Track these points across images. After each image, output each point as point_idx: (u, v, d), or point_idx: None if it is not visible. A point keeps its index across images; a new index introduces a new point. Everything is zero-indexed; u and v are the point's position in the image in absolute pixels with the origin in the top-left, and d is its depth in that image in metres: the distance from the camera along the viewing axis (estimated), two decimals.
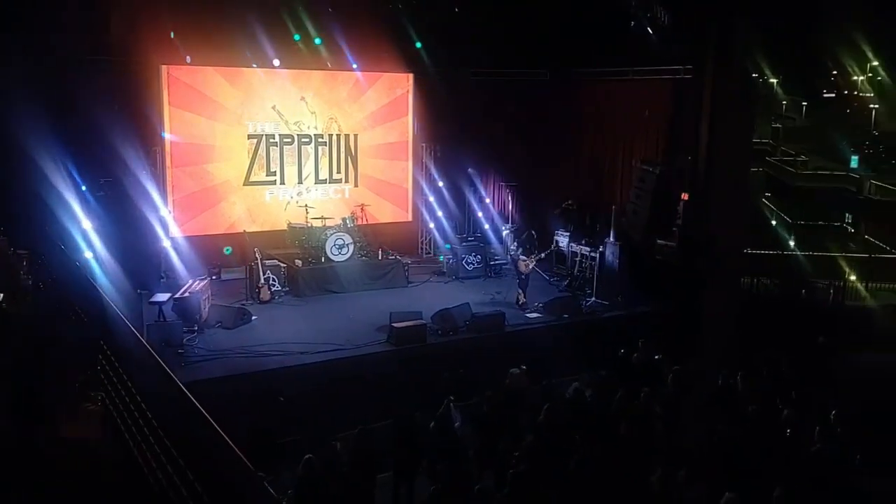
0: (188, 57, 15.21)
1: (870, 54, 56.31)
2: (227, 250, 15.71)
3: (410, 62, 17.20)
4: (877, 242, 26.48)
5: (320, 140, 16.99)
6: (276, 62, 16.02)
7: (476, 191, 17.95)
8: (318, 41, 15.99)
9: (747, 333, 13.60)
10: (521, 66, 18.10)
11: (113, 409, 9.61)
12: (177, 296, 12.76)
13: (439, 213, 17.78)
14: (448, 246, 16.87)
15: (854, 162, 44.44)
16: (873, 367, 13.18)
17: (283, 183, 16.71)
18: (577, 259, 15.99)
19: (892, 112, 60.80)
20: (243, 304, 13.82)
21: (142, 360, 7.91)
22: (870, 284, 18.15)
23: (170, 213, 15.43)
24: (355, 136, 17.33)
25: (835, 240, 24.88)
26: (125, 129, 14.31)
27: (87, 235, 13.06)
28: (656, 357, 11.74)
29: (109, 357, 9.96)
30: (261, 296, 14.22)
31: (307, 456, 7.60)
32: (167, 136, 15.38)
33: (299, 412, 10.16)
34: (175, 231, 15.55)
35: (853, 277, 18.41)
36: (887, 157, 50.45)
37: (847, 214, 30.44)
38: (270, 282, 14.46)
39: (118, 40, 14.31)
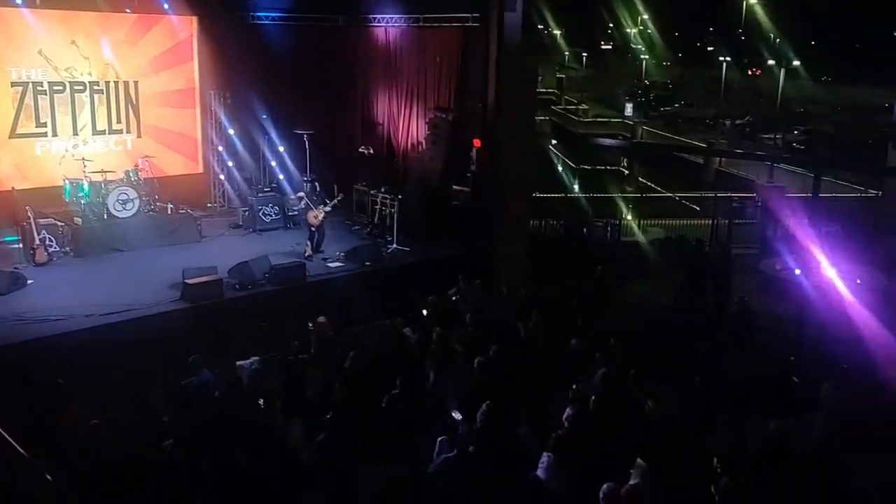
0: None
1: (640, 7, 60.68)
2: None
3: (193, 4, 16.22)
4: (648, 183, 28.97)
5: (96, 87, 15.67)
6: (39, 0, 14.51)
7: (270, 139, 17.44)
8: None
9: (536, 271, 14.53)
10: (312, 11, 17.65)
11: None
12: None
13: (231, 164, 17.15)
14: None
15: (628, 110, 48.14)
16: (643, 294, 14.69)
17: (55, 135, 15.32)
18: (377, 207, 16.13)
19: (660, 63, 66.36)
20: (16, 268, 12.68)
21: None
22: (641, 222, 19.95)
23: None
24: (135, 82, 16.16)
25: (613, 182, 26.83)
26: None
27: None
28: (454, 298, 12.25)
29: None
30: (36, 258, 13.10)
31: (93, 422, 7.25)
32: None
33: (85, 381, 9.53)
34: None
35: (628, 216, 20.15)
36: (656, 105, 55.20)
37: (623, 158, 32.86)
38: (47, 242, 13.37)
39: None
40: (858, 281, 13.74)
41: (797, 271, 13.05)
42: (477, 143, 15.64)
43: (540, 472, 6.82)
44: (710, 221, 18.62)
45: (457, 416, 8.39)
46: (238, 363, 10.12)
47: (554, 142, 38.89)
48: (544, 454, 6.93)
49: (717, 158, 30.60)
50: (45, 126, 15.22)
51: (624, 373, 9.19)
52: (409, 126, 17.69)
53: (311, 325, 10.68)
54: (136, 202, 14.48)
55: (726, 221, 18.47)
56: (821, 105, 47.46)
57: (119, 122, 16.10)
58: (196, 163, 17.37)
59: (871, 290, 13.35)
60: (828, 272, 12.59)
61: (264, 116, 17.10)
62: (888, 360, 9.85)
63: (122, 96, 16.04)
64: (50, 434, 7.77)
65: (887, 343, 10.51)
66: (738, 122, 45.18)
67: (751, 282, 15.51)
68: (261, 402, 8.83)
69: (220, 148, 17.10)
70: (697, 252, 15.28)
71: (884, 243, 15.96)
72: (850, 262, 13.84)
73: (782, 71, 40.21)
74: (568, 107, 55.09)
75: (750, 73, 58.91)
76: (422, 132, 17.17)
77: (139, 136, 16.35)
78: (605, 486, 6.53)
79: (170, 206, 15.12)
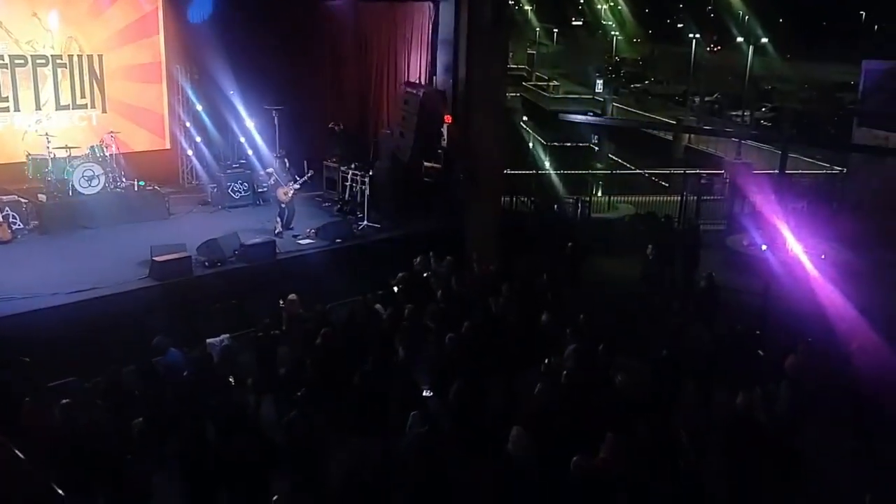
0: None
1: None
2: None
3: None
4: (618, 160, 29.15)
5: (59, 61, 15.30)
6: None
7: (238, 115, 17.18)
8: None
9: (507, 248, 14.59)
10: None
11: None
12: None
13: (199, 140, 16.89)
14: None
15: (599, 86, 48.20)
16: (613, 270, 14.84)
17: (17, 110, 14.96)
18: (348, 183, 16.01)
19: (630, 40, 66.45)
20: None
21: None
22: (611, 198, 20.10)
23: None
24: (100, 56, 15.80)
25: (583, 159, 26.92)
26: None
27: None
28: (425, 274, 12.25)
29: None
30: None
31: (64, 401, 7.16)
32: None
33: (52, 360, 9.40)
34: None
35: (598, 193, 20.30)
36: (627, 82, 55.40)
37: (594, 135, 32.97)
38: (10, 219, 13.13)
39: None
40: (823, 256, 13.99)
41: (763, 247, 13.25)
42: (448, 119, 15.58)
43: (511, 447, 6.89)
44: (679, 198, 18.79)
45: (427, 393, 8.45)
46: (208, 341, 10.05)
47: (525, 118, 38.95)
48: (515, 428, 7.01)
49: (686, 135, 30.90)
50: (7, 101, 14.87)
51: (594, 348, 9.29)
52: (379, 102, 17.56)
53: (281, 302, 10.63)
54: (102, 178, 14.22)
55: (695, 198, 18.65)
56: (788, 82, 47.93)
57: (83, 96, 15.76)
58: (163, 139, 17.06)
59: (835, 264, 13.60)
60: (793, 247, 12.80)
61: (232, 92, 16.82)
62: (851, 333, 10.06)
63: (85, 70, 15.69)
64: (17, 412, 7.66)
65: (850, 317, 10.73)
66: (706, 98, 45.50)
67: (718, 257, 15.71)
68: (231, 379, 8.81)
69: (188, 123, 16.80)
70: (666, 228, 15.43)
71: (848, 219, 16.26)
72: (815, 238, 14.08)
73: (751, 48, 40.44)
74: (539, 83, 55.08)
75: (709, 49, 59.11)
76: (392, 108, 17.05)
77: (104, 111, 16.02)
78: (575, 459, 6.62)
79: (137, 182, 14.87)
